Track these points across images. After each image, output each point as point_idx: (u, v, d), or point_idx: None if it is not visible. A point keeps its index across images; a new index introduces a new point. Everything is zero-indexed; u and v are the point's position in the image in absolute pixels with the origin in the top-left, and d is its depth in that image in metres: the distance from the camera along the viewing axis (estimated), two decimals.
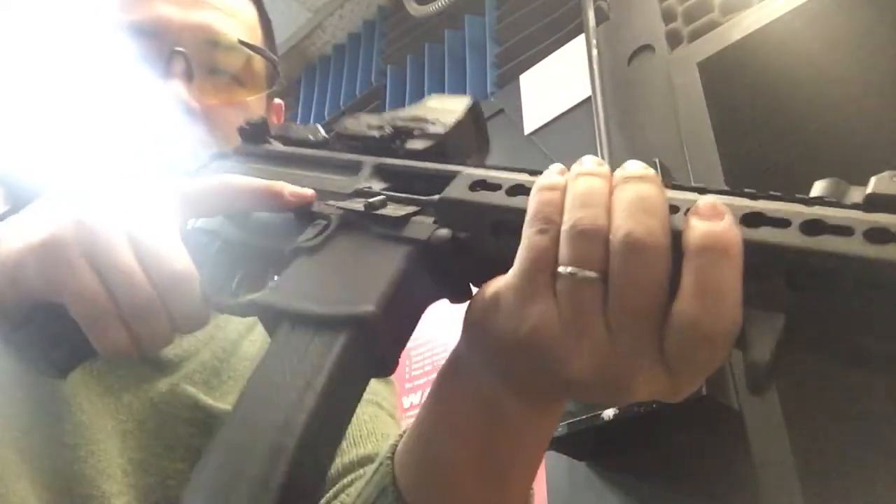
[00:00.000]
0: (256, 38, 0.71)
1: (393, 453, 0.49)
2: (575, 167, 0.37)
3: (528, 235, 0.35)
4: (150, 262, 0.40)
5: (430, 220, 0.41)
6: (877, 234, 0.30)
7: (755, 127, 1.28)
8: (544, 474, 1.33)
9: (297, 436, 0.34)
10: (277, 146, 0.54)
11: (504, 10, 1.94)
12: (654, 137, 1.43)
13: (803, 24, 1.30)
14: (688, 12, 1.51)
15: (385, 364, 0.38)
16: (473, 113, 0.47)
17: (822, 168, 1.25)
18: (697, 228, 0.32)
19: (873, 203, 0.31)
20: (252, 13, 0.72)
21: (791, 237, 0.31)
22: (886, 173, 0.32)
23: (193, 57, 0.63)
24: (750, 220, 0.33)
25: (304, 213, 0.45)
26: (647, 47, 1.53)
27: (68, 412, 0.53)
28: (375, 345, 0.37)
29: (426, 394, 0.46)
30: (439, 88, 2.02)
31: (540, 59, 1.74)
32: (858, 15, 1.23)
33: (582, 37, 1.64)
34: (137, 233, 0.40)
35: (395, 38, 2.28)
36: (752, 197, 0.34)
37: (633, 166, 0.35)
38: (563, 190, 0.36)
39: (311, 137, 0.53)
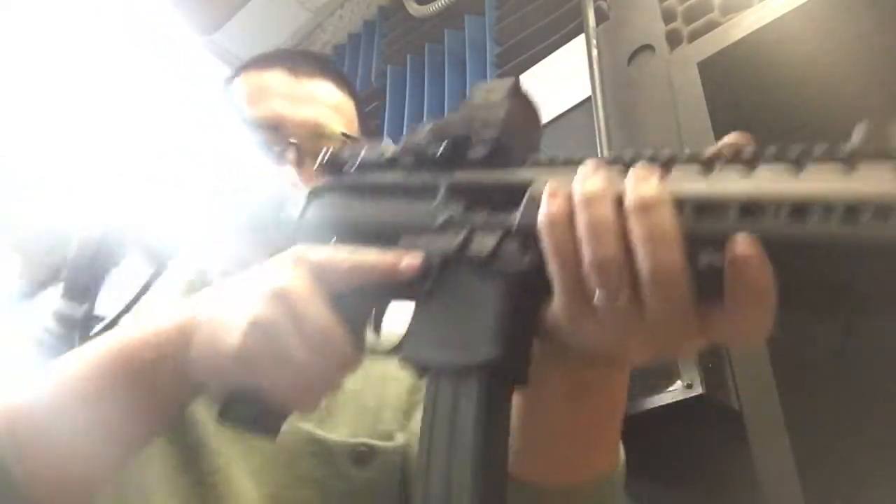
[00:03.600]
0: (354, 127, 0.82)
1: None
2: (577, 184, 0.40)
3: (556, 273, 0.41)
4: (317, 351, 0.48)
5: (516, 246, 0.45)
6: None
7: (755, 127, 1.27)
8: None
9: (477, 473, 0.42)
10: (353, 177, 0.58)
11: (504, 10, 1.94)
12: (654, 137, 1.43)
13: (803, 24, 1.30)
14: (688, 12, 1.51)
15: (522, 380, 0.46)
16: (516, 96, 0.49)
17: None
18: (739, 272, 0.36)
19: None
20: (350, 105, 0.84)
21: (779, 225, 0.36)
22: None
23: (303, 146, 0.75)
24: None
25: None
26: (647, 47, 1.53)
27: (208, 455, 0.62)
28: (509, 374, 0.45)
29: None
30: (439, 89, 2.02)
31: (540, 59, 1.74)
32: (858, 15, 1.23)
33: (582, 37, 1.64)
34: (304, 327, 0.48)
35: (395, 38, 2.28)
36: (748, 160, 0.38)
37: (641, 184, 0.38)
38: (570, 217, 0.40)
39: (382, 156, 0.57)
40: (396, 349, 0.50)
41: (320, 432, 0.67)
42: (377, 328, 0.54)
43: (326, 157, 0.59)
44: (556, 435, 0.53)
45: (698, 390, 1.04)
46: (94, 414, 0.49)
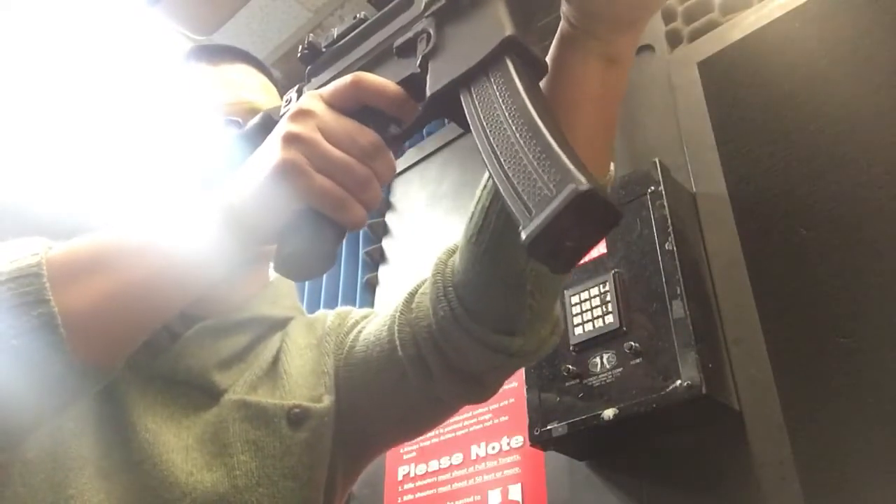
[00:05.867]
0: None
1: None
2: None
3: None
4: (349, 148, 0.51)
5: None
6: None
7: (755, 126, 1.28)
8: (544, 474, 1.33)
9: (539, 122, 0.42)
10: (332, 48, 0.63)
11: None
12: (654, 137, 1.43)
13: (803, 24, 1.30)
14: (688, 12, 1.52)
15: (540, 64, 0.49)
16: None
17: (822, 167, 1.24)
18: None
19: None
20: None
21: None
22: None
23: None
24: None
25: (407, 47, 0.54)
26: (647, 47, 1.53)
27: (135, 434, 0.62)
28: (527, 51, 0.47)
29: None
30: None
31: None
32: (858, 15, 1.23)
33: None
34: (330, 133, 0.51)
35: None
36: None
37: None
38: None
39: (352, 23, 0.61)
40: (424, 101, 0.51)
41: (252, 397, 0.68)
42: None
43: (305, 47, 0.63)
44: (593, 111, 0.55)
45: (698, 390, 1.04)
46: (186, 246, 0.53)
